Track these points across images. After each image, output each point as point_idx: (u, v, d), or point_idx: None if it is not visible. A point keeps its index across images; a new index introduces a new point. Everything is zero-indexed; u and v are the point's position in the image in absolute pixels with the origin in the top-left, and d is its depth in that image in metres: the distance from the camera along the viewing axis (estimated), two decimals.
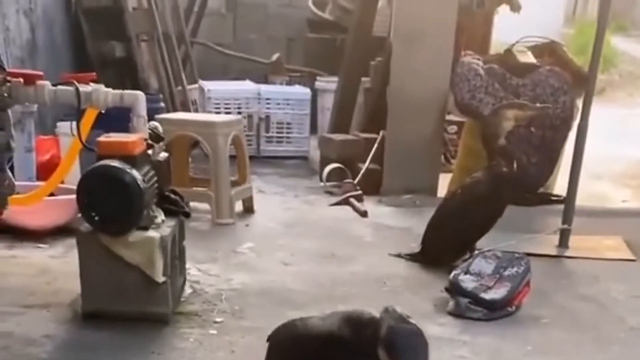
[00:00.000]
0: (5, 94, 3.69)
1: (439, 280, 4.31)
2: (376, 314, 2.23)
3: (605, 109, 11.85)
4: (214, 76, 9.07)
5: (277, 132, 8.37)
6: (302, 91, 8.66)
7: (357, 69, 7.91)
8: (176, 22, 8.78)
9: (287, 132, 8.40)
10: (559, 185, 6.31)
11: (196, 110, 8.11)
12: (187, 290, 4.12)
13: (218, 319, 3.77)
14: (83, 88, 3.86)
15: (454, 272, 4.15)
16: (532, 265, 4.20)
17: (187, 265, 4.29)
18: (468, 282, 4.06)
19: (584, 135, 5.01)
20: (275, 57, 9.90)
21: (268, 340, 2.41)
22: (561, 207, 5.35)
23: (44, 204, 4.66)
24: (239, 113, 7.91)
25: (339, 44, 9.41)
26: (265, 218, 5.85)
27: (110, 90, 3.93)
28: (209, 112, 7.86)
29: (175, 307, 3.83)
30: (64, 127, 5.62)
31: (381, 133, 6.76)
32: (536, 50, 6.44)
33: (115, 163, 3.54)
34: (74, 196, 3.64)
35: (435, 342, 3.62)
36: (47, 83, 3.89)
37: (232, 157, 5.84)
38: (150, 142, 3.88)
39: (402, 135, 6.54)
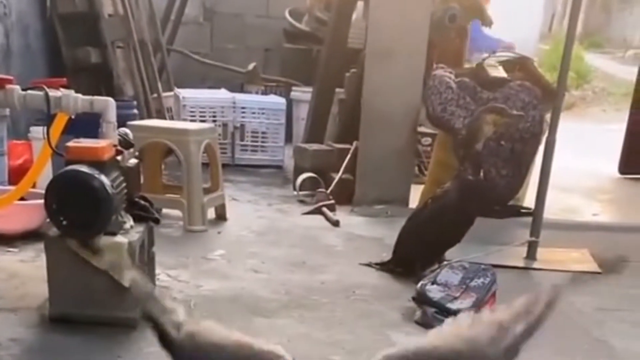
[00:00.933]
0: None
1: (407, 290, 4.33)
2: None
3: (578, 124, 11.97)
4: (190, 84, 9.08)
5: (252, 141, 8.38)
6: (277, 101, 8.69)
7: (331, 79, 7.94)
8: (152, 30, 8.78)
9: (262, 141, 8.42)
10: (529, 198, 6.34)
11: (171, 118, 8.10)
12: None
13: None
14: (53, 93, 3.86)
15: (421, 282, 4.17)
16: (499, 276, 4.23)
17: (157, 271, 4.29)
18: (435, 292, 4.08)
19: (552, 149, 5.06)
20: (251, 66, 9.92)
21: None
22: (530, 219, 5.39)
23: (14, 208, 4.65)
24: (214, 121, 7.93)
25: (314, 55, 9.46)
26: (238, 226, 5.86)
27: (80, 95, 3.94)
28: (184, 119, 7.87)
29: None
30: (36, 131, 5.62)
31: (354, 144, 6.78)
32: (507, 65, 6.49)
33: (83, 168, 3.53)
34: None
35: None
36: (17, 87, 3.89)
37: (206, 165, 5.85)
38: (120, 148, 3.88)
39: (374, 146, 6.57)
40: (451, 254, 4.70)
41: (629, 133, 9.07)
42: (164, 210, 5.77)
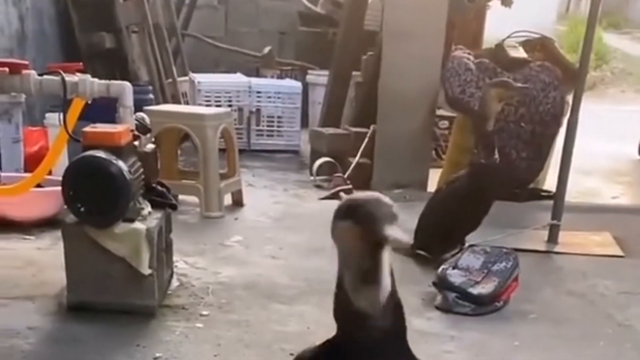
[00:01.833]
0: None
1: (428, 275, 4.30)
2: None
3: (597, 106, 11.87)
4: (205, 69, 9.05)
5: (268, 126, 8.34)
6: (293, 84, 8.65)
7: (348, 62, 7.90)
8: (167, 14, 8.73)
9: (278, 126, 8.38)
10: (549, 181, 6.30)
11: (187, 103, 8.08)
12: (174, 283, 4.11)
13: (204, 312, 3.75)
14: (69, 78, 3.84)
15: (442, 267, 4.14)
16: (520, 260, 4.19)
17: (175, 258, 4.27)
18: (456, 277, 4.05)
19: (574, 131, 5.00)
20: (266, 50, 9.86)
21: None
22: (551, 202, 5.34)
23: (30, 195, 4.64)
24: (230, 106, 7.88)
25: (330, 38, 9.39)
26: (254, 211, 5.83)
27: (96, 80, 3.92)
28: (200, 104, 7.84)
29: (162, 300, 3.81)
30: (52, 118, 5.60)
31: (372, 127, 6.74)
32: (527, 45, 6.43)
33: (100, 154, 3.51)
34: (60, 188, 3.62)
35: (422, 336, 3.64)
36: (33, 72, 3.87)
37: (222, 151, 5.82)
38: (136, 133, 3.86)
39: (392, 129, 6.52)
40: (472, 238, 4.66)
41: None
42: (181, 197, 5.75)
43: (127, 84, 3.96)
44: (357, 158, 6.69)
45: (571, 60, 6.55)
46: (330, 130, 7.29)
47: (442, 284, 4.04)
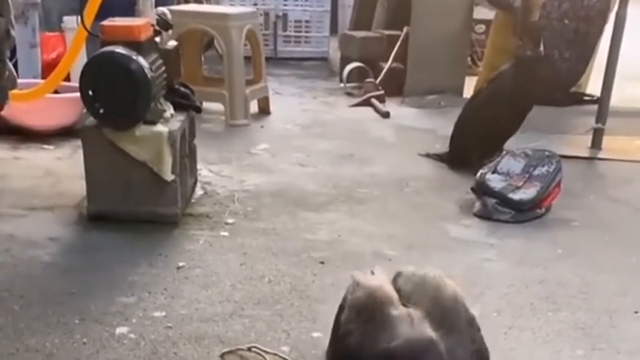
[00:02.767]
0: None
1: (465, 182, 4.18)
2: None
3: None
4: None
5: (295, 31, 8.18)
6: None
7: None
8: None
9: (306, 31, 8.21)
10: (592, 85, 6.13)
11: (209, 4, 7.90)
12: (198, 191, 4.02)
13: (230, 221, 3.66)
14: None
15: (480, 172, 4.01)
16: (562, 167, 4.06)
17: (199, 167, 4.18)
18: (496, 182, 3.92)
19: (622, 25, 4.82)
20: None
21: None
22: (594, 108, 5.20)
23: (48, 102, 4.54)
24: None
25: None
26: (282, 119, 5.73)
27: None
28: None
29: (185, 208, 3.72)
30: (70, 21, 5.49)
31: (405, 30, 6.56)
32: None
33: (120, 49, 3.38)
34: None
35: (460, 245, 3.53)
36: None
37: (247, 59, 5.68)
38: (157, 28, 3.71)
39: (427, 32, 6.34)
40: (510, 144, 4.53)
41: None
42: (205, 105, 5.64)
43: None
44: (389, 63, 6.55)
45: None
46: (362, 34, 7.11)
47: (481, 190, 3.92)
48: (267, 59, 6.30)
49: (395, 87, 6.36)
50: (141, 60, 3.37)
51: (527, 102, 4.47)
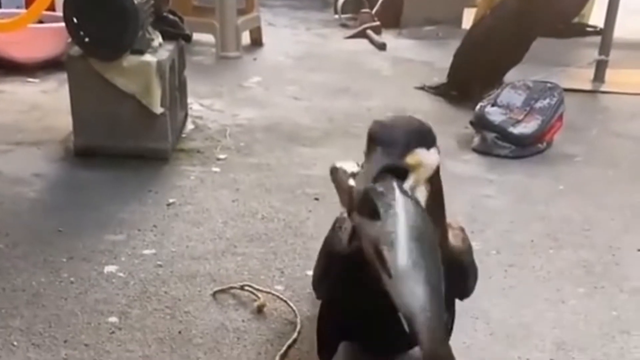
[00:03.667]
0: None
1: (464, 116, 4.14)
2: None
3: None
4: None
5: None
6: None
7: None
8: None
9: None
10: (595, 16, 6.07)
11: None
12: (189, 126, 3.98)
13: (221, 156, 3.62)
14: None
15: (480, 105, 3.96)
16: (565, 100, 4.01)
17: (189, 101, 4.13)
18: (495, 115, 3.88)
19: None
20: None
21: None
22: (597, 39, 5.15)
23: (31, 33, 4.48)
24: None
25: None
26: (275, 51, 5.66)
27: None
28: None
29: (176, 143, 3.68)
30: None
31: None
32: None
33: None
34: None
35: (459, 180, 3.50)
36: None
37: None
38: None
39: None
40: (511, 77, 4.48)
41: None
42: (195, 36, 5.56)
43: None
44: None
45: None
46: None
47: (480, 124, 3.88)
48: None
49: (391, 18, 6.30)
50: None
51: (531, 32, 4.41)
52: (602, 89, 4.95)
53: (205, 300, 2.43)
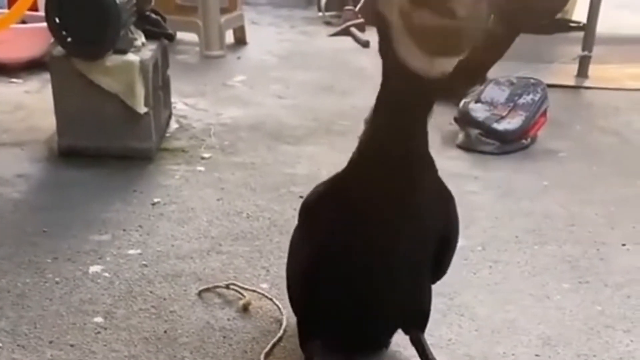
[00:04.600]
0: None
1: (448, 112, 4.14)
2: None
3: None
4: None
5: None
6: None
7: None
8: None
9: None
10: (579, 11, 6.08)
11: None
12: (173, 125, 3.98)
13: (206, 155, 3.62)
14: None
15: (463, 101, 3.97)
16: (549, 96, 4.03)
17: (173, 100, 4.13)
18: (479, 112, 3.89)
19: None
20: None
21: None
22: (580, 34, 5.16)
23: (14, 33, 4.46)
24: None
25: None
26: (259, 50, 5.66)
27: None
28: None
29: (160, 142, 3.68)
30: None
31: None
32: None
33: None
34: None
35: (443, 177, 3.48)
36: None
37: None
38: None
39: None
40: (494, 73, 4.48)
41: None
42: (179, 35, 5.58)
43: None
44: None
45: None
46: None
47: (464, 120, 3.89)
48: None
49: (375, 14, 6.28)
50: None
51: (516, 28, 4.41)
52: (586, 84, 4.97)
53: (191, 300, 2.44)
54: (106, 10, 3.27)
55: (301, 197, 3.16)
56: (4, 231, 2.84)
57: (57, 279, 2.52)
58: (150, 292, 2.46)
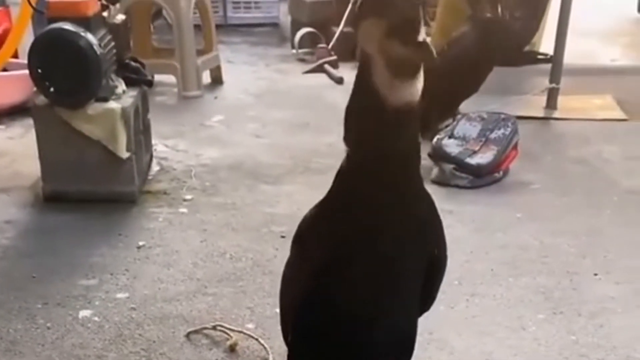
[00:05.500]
0: None
1: (422, 147, 4.21)
2: None
3: None
4: None
5: None
6: None
7: None
8: None
9: None
10: (545, 44, 6.19)
11: None
12: (154, 167, 4.04)
13: (188, 197, 3.69)
14: None
15: (437, 137, 4.06)
16: (519, 128, 4.13)
17: (153, 141, 4.20)
18: (452, 147, 3.99)
19: None
20: None
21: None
22: (548, 66, 5.25)
23: None
24: None
25: None
26: (235, 89, 5.73)
27: None
28: None
29: (142, 185, 3.75)
30: None
31: None
32: None
33: (67, 26, 3.37)
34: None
35: None
36: None
37: (197, 27, 5.67)
38: (105, 2, 3.70)
39: None
40: (465, 107, 4.58)
41: None
42: (157, 77, 5.62)
43: None
44: (340, 27, 6.54)
45: None
46: None
47: (438, 155, 3.98)
48: (217, 26, 6.27)
49: (348, 51, 6.37)
50: (89, 36, 3.37)
51: (491, 64, 4.53)
52: (555, 115, 5.06)
53: (179, 341, 2.50)
54: (87, 60, 3.35)
55: (282, 236, 3.26)
56: None
57: (48, 325, 2.58)
58: (140, 335, 2.53)
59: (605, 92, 5.48)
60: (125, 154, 3.54)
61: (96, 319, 2.62)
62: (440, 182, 3.93)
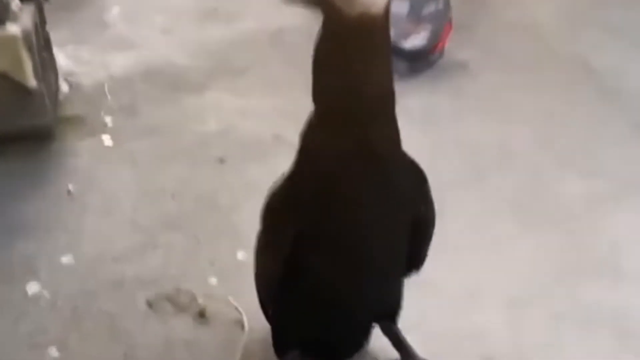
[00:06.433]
0: None
1: None
2: None
3: None
4: None
5: None
6: None
7: None
8: None
9: None
10: None
11: None
12: (63, 88, 3.83)
13: (108, 122, 3.55)
14: None
15: None
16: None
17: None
18: None
19: None
20: None
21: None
22: None
23: None
24: None
25: None
26: None
27: None
28: None
29: (55, 112, 3.57)
30: None
31: None
32: None
33: None
34: None
35: None
36: None
37: None
38: None
39: None
40: None
41: None
42: None
43: None
44: None
45: None
46: None
47: None
48: None
49: None
50: None
51: None
52: None
53: (142, 311, 2.47)
54: None
55: (221, 159, 3.20)
56: None
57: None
58: (98, 308, 2.48)
59: None
60: (33, 82, 3.37)
61: (46, 293, 2.55)
62: None
